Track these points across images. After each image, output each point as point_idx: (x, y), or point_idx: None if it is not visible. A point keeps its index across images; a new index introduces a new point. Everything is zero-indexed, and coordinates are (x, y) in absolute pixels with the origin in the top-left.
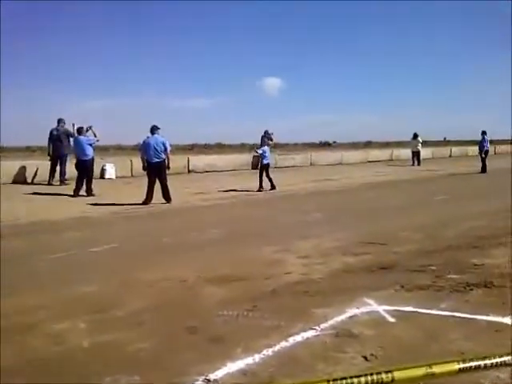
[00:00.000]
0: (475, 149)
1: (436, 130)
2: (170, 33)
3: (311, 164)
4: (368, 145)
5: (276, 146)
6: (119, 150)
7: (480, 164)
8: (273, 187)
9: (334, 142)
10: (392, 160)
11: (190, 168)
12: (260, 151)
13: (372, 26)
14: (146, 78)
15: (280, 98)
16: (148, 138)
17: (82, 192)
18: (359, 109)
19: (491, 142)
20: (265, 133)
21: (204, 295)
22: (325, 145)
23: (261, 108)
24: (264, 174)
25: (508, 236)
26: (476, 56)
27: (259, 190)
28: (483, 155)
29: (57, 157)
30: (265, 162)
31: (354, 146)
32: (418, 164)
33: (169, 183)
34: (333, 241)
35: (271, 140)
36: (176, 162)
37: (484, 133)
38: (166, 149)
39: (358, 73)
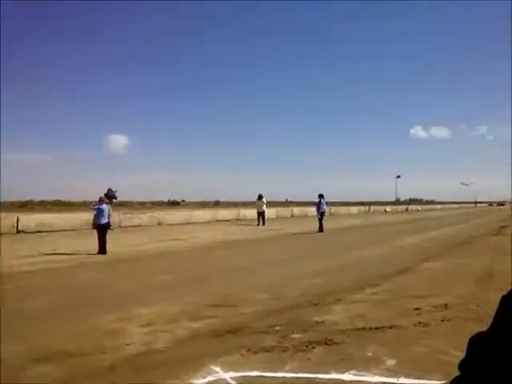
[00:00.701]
0: (313, 209)
1: (279, 192)
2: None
3: (159, 223)
4: (217, 204)
5: (122, 204)
6: None
7: (318, 224)
8: (102, 251)
9: (183, 201)
10: (239, 219)
11: (20, 228)
12: (97, 208)
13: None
14: None
15: (126, 154)
16: None
17: None
18: (207, 169)
19: (327, 203)
20: (108, 190)
21: (31, 377)
22: (173, 203)
23: (106, 164)
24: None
25: (344, 291)
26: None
27: (101, 252)
28: (319, 216)
29: None
30: (103, 221)
31: (203, 204)
32: (263, 224)
33: None
34: (179, 305)
35: (115, 198)
36: (2, 220)
37: (321, 196)
38: None
39: (204, 134)
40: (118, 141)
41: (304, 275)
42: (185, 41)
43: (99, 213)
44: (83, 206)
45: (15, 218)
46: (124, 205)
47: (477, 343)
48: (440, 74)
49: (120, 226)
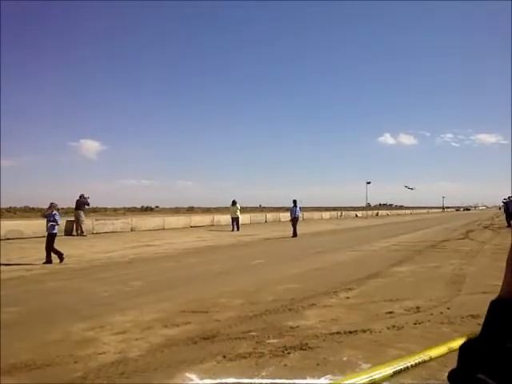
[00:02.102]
0: (287, 215)
1: (253, 198)
2: None
3: (132, 229)
4: (190, 210)
5: (95, 211)
6: None
7: (291, 229)
8: (60, 258)
9: (157, 207)
10: (213, 225)
11: None
12: (51, 218)
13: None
14: None
15: (99, 160)
16: None
17: None
18: (180, 176)
19: (301, 209)
20: (80, 196)
21: None
22: (147, 209)
23: (78, 170)
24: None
25: (318, 296)
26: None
27: (48, 262)
28: (293, 221)
29: None
30: (53, 230)
31: (177, 210)
32: (238, 229)
33: None
34: (153, 312)
35: (87, 204)
36: None
37: (295, 202)
38: None
39: (176, 142)
40: (90, 146)
41: (278, 280)
42: (149, 50)
43: (56, 220)
44: None
45: None
46: (97, 211)
47: (468, 351)
48: (408, 84)
49: (93, 233)
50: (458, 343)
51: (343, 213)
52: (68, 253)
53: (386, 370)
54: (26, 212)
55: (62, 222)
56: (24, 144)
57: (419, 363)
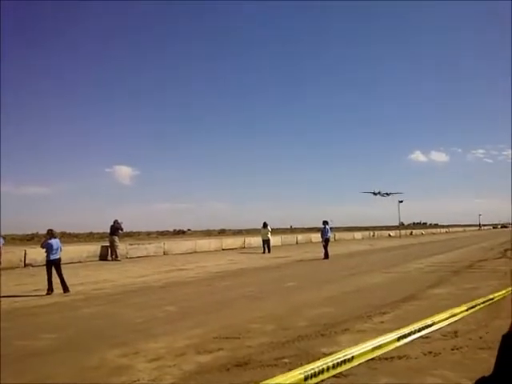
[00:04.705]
0: (318, 236)
1: (283, 219)
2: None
3: (165, 253)
4: (222, 232)
5: (128, 235)
6: None
7: (323, 250)
8: (65, 289)
9: (188, 230)
10: (245, 247)
11: (27, 261)
12: (53, 244)
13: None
14: None
15: (132, 185)
16: None
17: None
18: (211, 198)
19: (332, 229)
20: (114, 222)
21: None
22: (179, 233)
23: (111, 196)
24: (55, 271)
25: (351, 321)
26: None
27: (48, 293)
28: (324, 243)
29: None
30: (53, 256)
31: (208, 233)
32: (269, 251)
33: None
34: (186, 338)
35: (121, 229)
36: (10, 254)
37: (325, 222)
38: None
39: (207, 165)
40: (124, 172)
41: (311, 304)
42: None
43: (49, 248)
44: (89, 237)
45: (23, 252)
46: (131, 235)
47: None
48: (438, 99)
49: (127, 257)
50: None
51: (376, 232)
52: (103, 277)
53: None
54: (63, 237)
55: (53, 249)
56: (59, 171)
57: None
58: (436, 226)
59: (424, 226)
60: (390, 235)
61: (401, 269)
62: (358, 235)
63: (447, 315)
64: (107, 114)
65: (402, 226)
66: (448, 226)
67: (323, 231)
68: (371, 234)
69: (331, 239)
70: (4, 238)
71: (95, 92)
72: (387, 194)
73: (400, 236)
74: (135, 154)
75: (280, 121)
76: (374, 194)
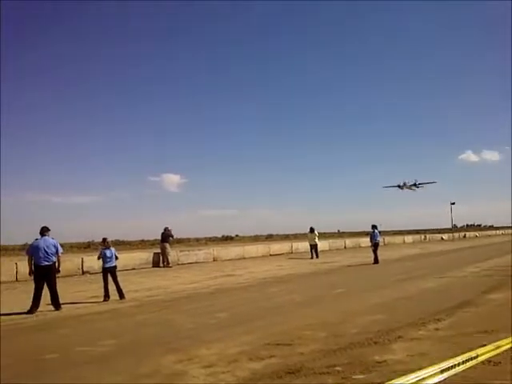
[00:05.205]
0: (366, 240)
1: (330, 223)
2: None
3: (214, 259)
4: (269, 238)
5: (179, 242)
6: (3, 250)
7: (372, 255)
8: (121, 295)
9: (236, 236)
10: (292, 253)
11: (85, 269)
12: (106, 253)
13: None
14: (29, 173)
15: (180, 193)
16: (37, 240)
17: None
18: (258, 204)
19: (381, 232)
20: (164, 229)
21: None
22: (227, 239)
23: (160, 203)
24: (111, 278)
25: (405, 328)
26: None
27: (105, 300)
28: (373, 247)
29: None
30: (108, 264)
31: (256, 238)
32: (317, 256)
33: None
34: (238, 345)
35: (172, 236)
36: (68, 262)
37: (374, 226)
38: (57, 251)
39: (252, 170)
40: (172, 180)
41: (362, 310)
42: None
43: (103, 257)
44: (141, 244)
45: (80, 260)
46: (181, 242)
47: None
48: (491, 96)
49: (178, 264)
50: None
51: (427, 236)
52: (156, 284)
53: None
54: (117, 245)
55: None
56: (111, 181)
57: None
58: (491, 227)
59: (478, 227)
60: (442, 238)
61: (455, 273)
62: (408, 239)
63: (493, 347)
64: (154, 123)
65: (454, 229)
66: (504, 228)
67: (372, 235)
68: (422, 237)
69: (380, 243)
70: (62, 246)
71: (142, 102)
72: (416, 185)
73: (453, 239)
74: (182, 161)
75: (330, 129)
76: (400, 187)
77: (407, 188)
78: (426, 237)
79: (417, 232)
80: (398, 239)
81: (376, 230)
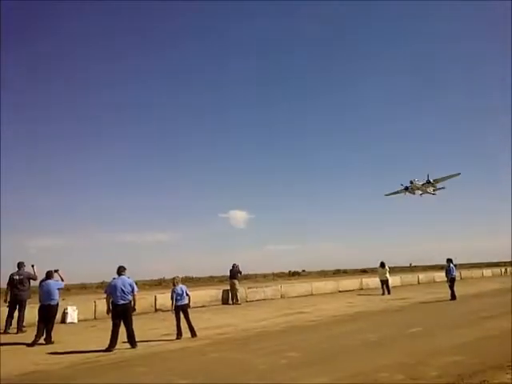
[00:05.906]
0: (441, 274)
1: (401, 256)
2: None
3: (282, 296)
4: (337, 273)
5: (246, 278)
6: (83, 288)
7: (449, 291)
8: (193, 333)
9: (303, 271)
10: (362, 289)
11: (157, 306)
12: (177, 290)
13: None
14: (102, 214)
15: (246, 229)
16: (115, 279)
17: (41, 339)
18: (323, 238)
19: (456, 266)
20: (233, 266)
21: None
22: (294, 274)
23: (227, 240)
24: (183, 316)
25: (490, 371)
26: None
27: (178, 338)
28: (449, 282)
29: (16, 302)
30: (180, 302)
31: (323, 273)
32: (388, 292)
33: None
34: None
35: (240, 273)
36: (142, 300)
37: (450, 260)
38: (133, 290)
39: (316, 206)
40: (238, 216)
41: (440, 351)
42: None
43: (176, 295)
44: (209, 281)
45: (153, 297)
46: (248, 278)
47: None
48: None
49: (246, 301)
50: None
51: (508, 269)
52: (226, 322)
53: None
54: (187, 282)
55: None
56: (177, 219)
57: None
58: None
59: None
60: None
61: None
62: (487, 272)
63: None
64: (221, 164)
65: None
66: None
67: (448, 270)
68: (503, 270)
69: (457, 278)
70: (136, 284)
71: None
72: (429, 182)
73: None
74: (249, 198)
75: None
76: (407, 189)
77: (417, 189)
78: (506, 270)
79: (496, 265)
80: (476, 273)
81: (452, 264)
